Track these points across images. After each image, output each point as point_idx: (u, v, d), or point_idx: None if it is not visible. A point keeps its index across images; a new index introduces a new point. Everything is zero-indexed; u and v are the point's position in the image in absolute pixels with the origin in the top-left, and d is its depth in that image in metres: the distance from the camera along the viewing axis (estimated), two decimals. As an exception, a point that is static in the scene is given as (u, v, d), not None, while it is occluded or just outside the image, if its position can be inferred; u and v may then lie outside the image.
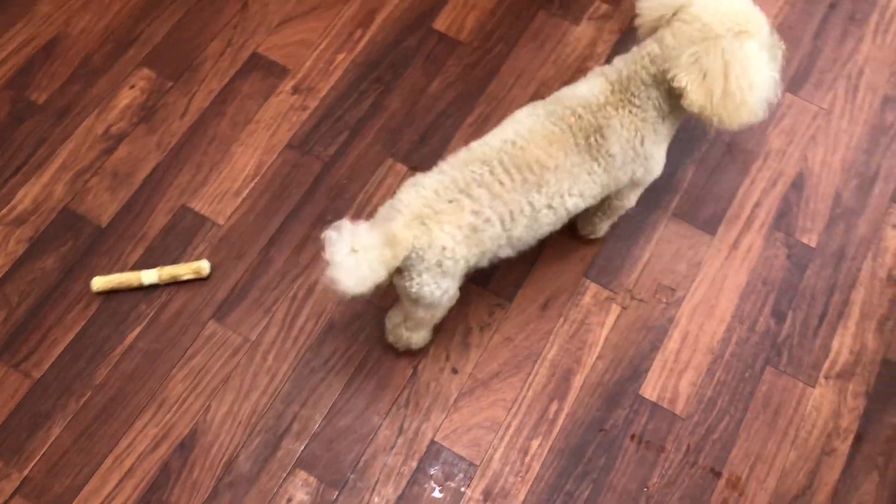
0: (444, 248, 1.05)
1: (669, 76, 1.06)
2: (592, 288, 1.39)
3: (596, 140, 1.11)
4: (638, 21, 1.13)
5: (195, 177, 1.46)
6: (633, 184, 1.22)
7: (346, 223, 0.99)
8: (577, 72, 1.57)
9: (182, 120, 1.50)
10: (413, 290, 1.09)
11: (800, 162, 1.52)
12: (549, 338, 1.36)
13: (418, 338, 1.29)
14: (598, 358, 1.35)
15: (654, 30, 1.11)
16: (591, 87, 1.13)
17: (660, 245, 1.45)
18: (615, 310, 1.38)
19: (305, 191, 1.45)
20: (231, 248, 1.40)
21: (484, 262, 1.15)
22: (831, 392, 1.35)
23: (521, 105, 1.22)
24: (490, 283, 1.39)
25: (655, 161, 1.19)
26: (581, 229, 1.41)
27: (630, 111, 1.11)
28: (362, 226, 1.00)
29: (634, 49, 1.13)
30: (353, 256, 0.97)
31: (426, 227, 1.05)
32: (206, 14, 1.60)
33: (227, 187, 1.45)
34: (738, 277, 1.43)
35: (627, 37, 1.60)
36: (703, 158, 1.51)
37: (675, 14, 1.07)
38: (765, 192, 1.49)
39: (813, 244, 1.46)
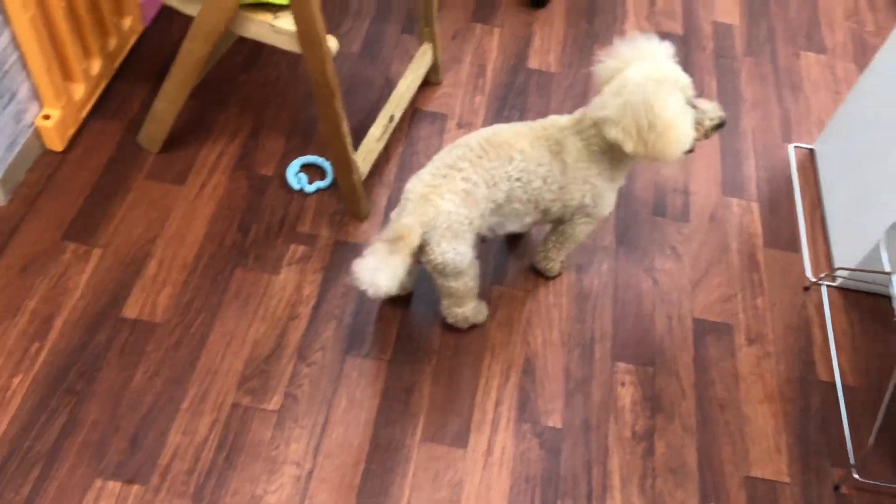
0: (449, 213, 1.30)
1: (605, 133, 1.31)
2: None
3: (555, 147, 1.38)
4: (595, 79, 1.39)
5: None
6: (584, 213, 1.48)
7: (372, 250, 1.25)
8: (289, 319, 1.54)
9: None
10: (438, 260, 1.33)
11: (523, 348, 1.57)
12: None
13: (471, 311, 1.51)
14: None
15: (600, 77, 1.36)
16: (558, 120, 1.41)
17: (417, 476, 1.39)
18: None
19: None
20: None
21: (485, 230, 1.41)
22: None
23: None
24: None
25: (605, 199, 1.46)
26: (538, 263, 1.65)
27: (586, 154, 1.38)
28: (379, 246, 1.25)
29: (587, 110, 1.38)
30: (371, 257, 1.24)
31: (430, 201, 1.30)
32: None
33: None
34: (501, 484, 1.40)
35: (331, 273, 1.62)
36: (435, 371, 1.52)
37: (606, 81, 1.34)
38: (501, 388, 1.51)
39: (559, 425, 1.48)
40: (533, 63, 2.10)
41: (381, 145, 1.73)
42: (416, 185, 1.35)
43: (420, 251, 1.34)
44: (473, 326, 1.59)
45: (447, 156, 1.37)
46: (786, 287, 1.74)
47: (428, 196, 1.32)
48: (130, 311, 1.52)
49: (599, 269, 1.71)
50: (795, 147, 2.00)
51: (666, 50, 1.35)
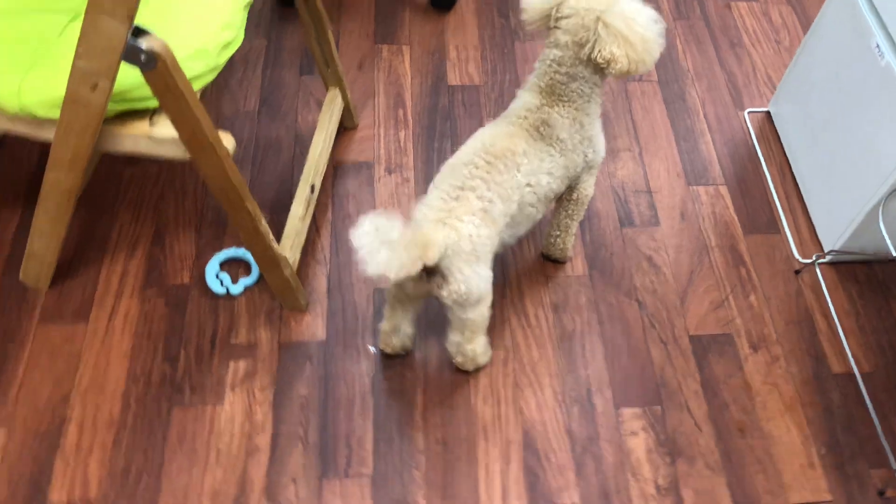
0: (470, 235, 1.22)
1: (595, 55, 1.25)
2: None
3: (545, 130, 1.32)
4: (525, 18, 1.33)
5: None
6: (588, 166, 1.43)
7: (374, 216, 1.12)
8: (248, 455, 1.33)
9: None
10: (461, 289, 1.24)
11: (518, 419, 1.40)
12: None
13: (481, 347, 1.41)
14: None
15: (540, 25, 1.32)
16: (524, 99, 1.35)
17: None
18: None
19: None
20: None
21: (498, 247, 1.33)
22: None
23: None
24: None
25: (598, 139, 1.41)
26: (552, 251, 1.58)
27: (562, 105, 1.32)
28: (394, 221, 1.12)
29: (539, 62, 1.33)
30: (385, 250, 1.10)
31: (448, 225, 1.22)
32: None
33: None
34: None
35: (283, 385, 1.41)
36: (427, 474, 1.33)
37: (557, 18, 1.27)
38: (504, 474, 1.33)
39: (577, 500, 1.32)
40: (453, 79, 1.89)
41: (307, 223, 1.51)
42: (426, 212, 1.26)
43: (434, 282, 1.25)
44: (477, 370, 1.44)
45: (452, 177, 1.28)
46: (776, 275, 1.60)
47: (444, 221, 1.23)
48: (57, 495, 1.28)
49: (578, 303, 1.54)
50: (750, 113, 1.85)
51: None
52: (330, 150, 1.64)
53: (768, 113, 1.84)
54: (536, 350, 1.48)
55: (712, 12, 2.04)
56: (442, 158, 1.73)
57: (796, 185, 1.73)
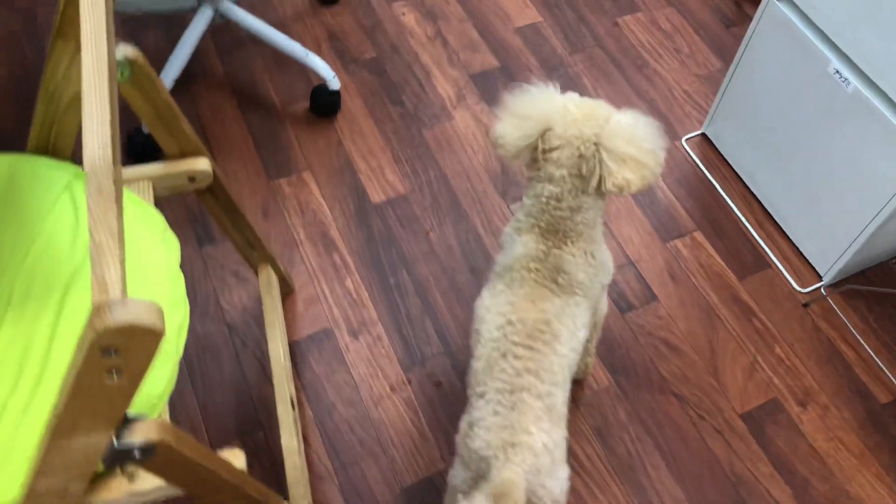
0: (545, 445, 1.04)
1: (605, 186, 1.08)
2: None
3: (563, 278, 1.14)
4: (501, 153, 1.13)
5: None
6: (602, 289, 1.26)
7: None
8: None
9: None
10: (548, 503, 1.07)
11: None
12: None
13: None
14: None
15: (523, 159, 1.13)
16: (524, 246, 1.16)
17: None
18: None
19: None
20: None
21: None
22: None
23: None
24: None
25: (607, 258, 1.24)
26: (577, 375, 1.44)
27: (570, 243, 1.15)
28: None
29: (529, 199, 1.14)
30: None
31: (518, 445, 1.02)
32: None
33: None
34: None
35: None
36: None
37: (544, 151, 1.09)
38: None
39: None
40: (375, 195, 1.64)
41: (302, 456, 1.24)
42: (484, 436, 1.05)
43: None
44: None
45: (493, 379, 1.08)
46: (788, 316, 1.53)
47: (511, 441, 1.03)
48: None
49: (619, 420, 1.40)
50: (687, 140, 1.76)
51: (553, 87, 1.15)
52: (287, 343, 1.36)
53: (704, 135, 1.76)
54: (601, 494, 1.33)
55: (603, 35, 1.92)
56: (404, 294, 1.50)
57: (764, 210, 1.66)
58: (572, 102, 1.11)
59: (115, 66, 0.74)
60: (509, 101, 1.14)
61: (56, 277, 0.88)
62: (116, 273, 0.54)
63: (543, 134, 1.09)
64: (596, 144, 1.07)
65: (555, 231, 1.14)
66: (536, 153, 1.12)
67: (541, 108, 1.11)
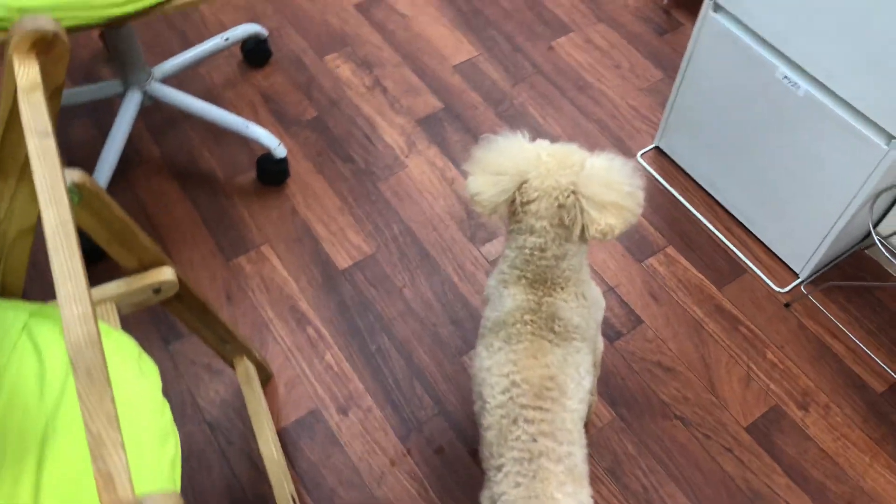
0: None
1: (589, 233, 1.06)
2: None
3: (559, 325, 1.10)
4: (478, 210, 1.10)
5: None
6: (597, 327, 1.24)
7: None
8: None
9: None
10: None
11: None
12: None
13: None
14: None
15: (501, 214, 1.10)
16: (513, 299, 1.12)
17: None
18: None
19: None
20: None
21: None
22: None
23: None
24: None
25: (597, 295, 1.21)
26: None
27: (560, 289, 1.12)
28: None
29: (512, 251, 1.11)
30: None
31: None
32: None
33: None
34: None
35: None
36: None
37: (522, 204, 1.06)
38: None
39: None
40: (341, 260, 1.58)
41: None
42: None
43: None
44: None
45: (509, 448, 1.03)
46: (773, 318, 1.53)
47: None
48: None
49: (628, 454, 1.36)
50: (643, 155, 1.75)
51: (522, 135, 1.13)
52: (278, 439, 1.29)
53: (658, 148, 1.75)
54: (623, 533, 1.30)
55: (541, 61, 1.90)
56: (387, 359, 1.44)
57: (730, 215, 1.66)
58: (545, 151, 1.08)
59: (67, 194, 0.67)
60: (480, 156, 1.11)
61: (29, 434, 0.80)
62: (121, 463, 0.48)
63: (520, 187, 1.07)
64: (574, 193, 1.05)
65: (543, 280, 1.11)
66: (514, 206, 1.09)
67: (514, 161, 1.08)
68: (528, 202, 1.06)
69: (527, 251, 1.10)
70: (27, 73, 0.63)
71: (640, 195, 1.09)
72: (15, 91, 0.68)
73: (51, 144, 0.61)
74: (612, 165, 1.08)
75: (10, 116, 0.72)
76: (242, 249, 1.57)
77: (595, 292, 1.21)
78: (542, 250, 1.08)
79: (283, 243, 1.59)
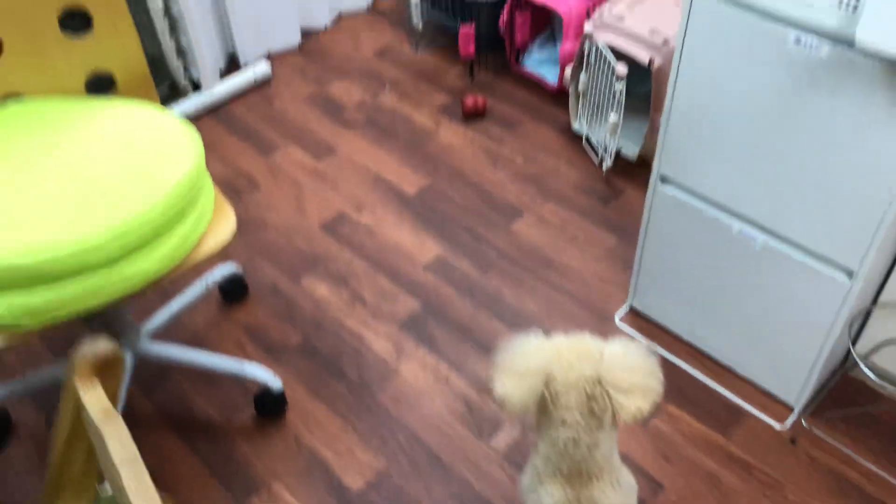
0: None
1: (621, 420, 1.10)
2: None
3: None
4: (508, 412, 1.13)
5: None
6: None
7: None
8: None
9: None
10: None
11: None
12: None
13: None
14: None
15: (531, 414, 1.14)
16: (552, 496, 1.15)
17: None
18: None
19: None
20: None
21: None
22: None
23: None
24: None
25: (629, 477, 1.24)
26: None
27: (596, 479, 1.15)
28: None
29: (546, 446, 1.14)
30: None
31: None
32: None
33: None
34: None
35: None
36: None
37: (551, 398, 1.10)
38: None
39: None
40: (353, 482, 1.54)
41: None
42: None
43: None
44: None
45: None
46: (783, 457, 1.56)
47: None
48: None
49: None
50: (621, 319, 1.83)
51: (536, 332, 1.17)
52: None
53: (632, 308, 1.84)
54: None
55: (504, 246, 2.00)
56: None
57: (715, 361, 1.73)
58: (563, 345, 1.14)
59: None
60: (501, 360, 1.15)
61: None
62: None
63: (547, 384, 1.11)
64: (599, 381, 1.10)
65: (578, 473, 1.13)
66: (543, 403, 1.13)
67: (536, 360, 1.13)
68: (557, 396, 1.10)
69: (561, 445, 1.12)
70: (97, 400, 0.65)
71: (660, 373, 1.14)
72: (76, 411, 0.70)
73: (141, 468, 0.63)
74: (628, 350, 1.14)
75: (69, 435, 0.73)
76: (253, 490, 1.53)
77: (627, 475, 1.22)
78: (576, 442, 1.11)
79: (292, 477, 1.56)
